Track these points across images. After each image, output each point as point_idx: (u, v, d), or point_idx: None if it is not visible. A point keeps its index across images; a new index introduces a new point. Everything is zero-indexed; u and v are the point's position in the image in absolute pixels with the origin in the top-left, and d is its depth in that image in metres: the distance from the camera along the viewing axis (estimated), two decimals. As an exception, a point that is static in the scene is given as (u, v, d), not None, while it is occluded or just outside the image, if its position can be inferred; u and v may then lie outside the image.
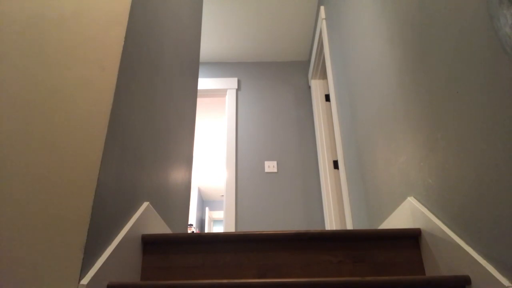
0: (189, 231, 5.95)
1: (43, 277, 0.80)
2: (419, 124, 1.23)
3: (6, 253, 0.81)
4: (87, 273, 0.83)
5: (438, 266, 1.06)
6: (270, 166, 3.37)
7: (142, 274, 1.14)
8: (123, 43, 1.08)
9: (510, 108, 0.77)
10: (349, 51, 2.20)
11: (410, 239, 1.19)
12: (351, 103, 2.18)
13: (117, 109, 1.03)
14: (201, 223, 8.34)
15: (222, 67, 3.91)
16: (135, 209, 1.15)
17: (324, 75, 3.50)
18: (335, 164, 3.15)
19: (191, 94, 2.20)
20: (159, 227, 1.35)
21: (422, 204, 1.21)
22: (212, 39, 3.66)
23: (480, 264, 0.87)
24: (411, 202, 1.26)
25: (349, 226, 2.23)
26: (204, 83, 3.75)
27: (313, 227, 3.10)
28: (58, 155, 0.92)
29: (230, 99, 3.70)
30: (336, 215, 2.91)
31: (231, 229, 3.06)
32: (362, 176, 1.96)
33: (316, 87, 3.58)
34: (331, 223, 2.90)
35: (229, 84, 3.78)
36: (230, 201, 3.18)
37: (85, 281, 0.80)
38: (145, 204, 1.22)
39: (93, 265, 0.86)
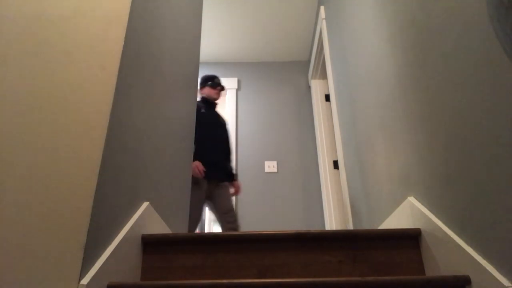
0: (189, 231, 5.93)
1: (43, 277, 0.80)
2: (419, 124, 1.23)
3: (6, 253, 0.81)
4: (87, 273, 0.83)
5: (438, 266, 1.06)
6: (270, 166, 3.37)
7: (142, 274, 1.14)
8: (123, 43, 1.08)
9: (510, 108, 0.77)
10: (349, 51, 2.20)
11: (410, 239, 1.19)
12: (351, 103, 2.18)
13: (117, 109, 1.03)
14: (201, 223, 8.33)
15: (222, 67, 3.91)
16: (135, 209, 1.15)
17: (324, 75, 3.50)
18: (335, 164, 3.15)
19: (191, 94, 2.20)
20: (159, 227, 1.35)
21: (422, 204, 1.21)
22: (212, 39, 3.66)
23: (480, 264, 0.87)
24: (411, 202, 1.26)
25: (349, 226, 2.23)
26: (204, 83, 3.75)
27: (313, 227, 3.10)
28: (58, 155, 0.92)
29: (230, 99, 3.70)
30: (336, 215, 2.91)
31: (231, 229, 3.05)
32: (362, 176, 1.96)
33: (316, 87, 3.58)
34: (331, 223, 2.90)
35: (229, 84, 3.78)
36: (230, 201, 3.18)
37: (85, 281, 0.80)
38: (145, 204, 1.22)
39: (93, 265, 0.86)
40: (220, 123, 2.65)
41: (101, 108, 0.98)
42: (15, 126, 0.94)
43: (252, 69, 3.92)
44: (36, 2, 1.09)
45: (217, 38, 3.66)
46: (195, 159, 2.45)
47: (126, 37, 1.10)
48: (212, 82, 2.64)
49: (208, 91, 2.63)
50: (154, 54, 1.41)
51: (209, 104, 2.65)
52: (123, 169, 1.06)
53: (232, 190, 2.60)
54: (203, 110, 2.59)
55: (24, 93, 0.98)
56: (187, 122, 2.03)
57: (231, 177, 2.60)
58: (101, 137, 0.95)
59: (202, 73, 3.86)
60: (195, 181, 2.35)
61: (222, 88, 2.67)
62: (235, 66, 3.92)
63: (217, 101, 2.68)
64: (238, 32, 3.59)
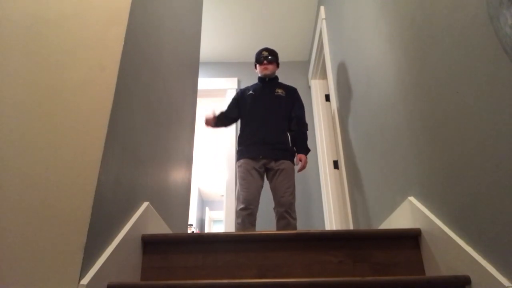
0: (189, 231, 5.94)
1: (43, 277, 0.80)
2: (419, 124, 1.23)
3: (7, 253, 0.81)
4: (87, 273, 0.83)
5: (438, 266, 1.06)
6: (270, 166, 3.36)
7: (142, 274, 1.14)
8: (123, 43, 1.08)
9: (510, 108, 0.77)
10: (349, 51, 2.20)
11: (410, 239, 1.19)
12: (351, 103, 2.18)
13: (117, 109, 1.03)
14: (201, 223, 8.34)
15: (222, 67, 3.91)
16: (135, 209, 1.15)
17: (324, 75, 3.50)
18: (335, 164, 3.15)
19: (191, 94, 2.20)
20: (159, 227, 1.35)
21: (422, 204, 1.21)
22: (212, 39, 3.66)
23: (480, 264, 0.87)
24: (411, 202, 1.26)
25: (349, 226, 2.23)
26: (204, 83, 3.75)
27: (313, 227, 3.10)
28: (58, 155, 0.92)
29: (230, 98, 3.69)
30: (336, 215, 2.91)
31: (231, 229, 3.06)
32: (362, 176, 1.96)
33: (316, 87, 3.58)
34: (331, 223, 2.90)
35: (229, 84, 3.78)
36: (230, 201, 3.18)
37: (85, 281, 0.80)
38: (145, 204, 1.22)
39: (93, 265, 0.86)
40: (274, 98, 2.40)
41: (101, 108, 0.98)
42: (15, 126, 0.94)
43: (252, 69, 3.90)
44: (36, 2, 1.09)
45: (217, 38, 3.65)
46: (242, 142, 2.33)
47: (126, 37, 1.10)
48: (257, 59, 2.50)
49: (258, 69, 2.50)
50: (154, 54, 1.41)
51: (263, 81, 2.50)
52: (123, 169, 1.06)
53: (298, 165, 2.32)
54: (250, 92, 2.46)
55: (24, 93, 0.98)
56: (187, 121, 2.03)
57: (289, 154, 2.30)
58: (101, 137, 0.95)
59: (202, 73, 3.86)
60: (241, 164, 2.25)
61: (270, 61, 2.45)
62: (235, 66, 3.91)
63: (270, 75, 2.47)
64: (238, 32, 3.59)
